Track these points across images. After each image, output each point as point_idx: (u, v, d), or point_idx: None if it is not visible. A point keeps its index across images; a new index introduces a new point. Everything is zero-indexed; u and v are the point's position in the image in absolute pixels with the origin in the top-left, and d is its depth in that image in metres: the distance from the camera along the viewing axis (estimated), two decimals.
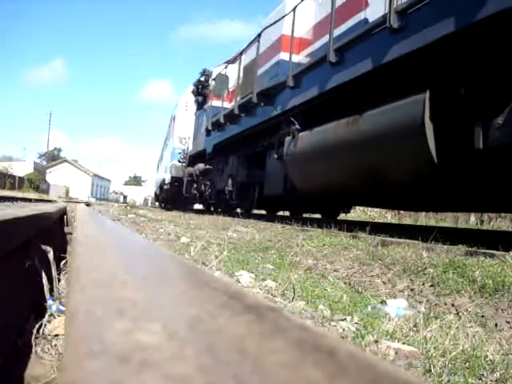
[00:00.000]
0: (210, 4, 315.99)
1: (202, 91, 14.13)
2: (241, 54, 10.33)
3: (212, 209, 13.79)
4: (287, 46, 7.55)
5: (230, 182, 10.96)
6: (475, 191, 4.59)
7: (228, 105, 10.92)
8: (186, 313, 0.39)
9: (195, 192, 14.20)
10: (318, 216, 11.59)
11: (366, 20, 5.62)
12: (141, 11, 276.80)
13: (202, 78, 14.07)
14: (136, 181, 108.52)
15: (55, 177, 62.54)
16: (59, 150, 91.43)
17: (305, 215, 11.02)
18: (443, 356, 1.62)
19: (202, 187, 13.49)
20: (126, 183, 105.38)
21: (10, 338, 1.31)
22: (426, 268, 3.11)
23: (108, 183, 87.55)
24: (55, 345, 1.38)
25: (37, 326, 1.40)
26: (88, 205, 11.16)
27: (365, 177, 5.61)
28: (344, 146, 5.86)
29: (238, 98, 9.92)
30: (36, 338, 1.38)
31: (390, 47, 4.91)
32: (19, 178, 47.53)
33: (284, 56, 7.80)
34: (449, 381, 1.46)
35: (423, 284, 2.91)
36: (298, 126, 7.18)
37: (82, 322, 0.35)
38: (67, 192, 52.44)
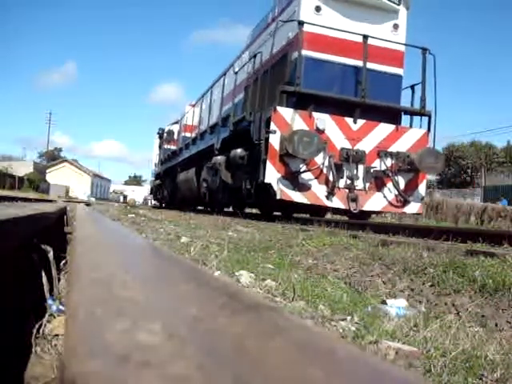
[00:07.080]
0: (223, 10, 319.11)
1: (160, 138, 25.36)
2: (181, 119, 20.33)
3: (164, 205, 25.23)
4: (185, 129, 18.10)
5: (165, 191, 22.47)
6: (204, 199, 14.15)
7: (173, 148, 21.11)
8: (186, 313, 0.39)
9: (158, 196, 26.43)
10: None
11: (206, 128, 14.00)
12: (154, 16, 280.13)
13: (160, 131, 24.95)
14: (136, 180, 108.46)
15: (55, 177, 62.45)
16: (59, 150, 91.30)
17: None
18: (443, 356, 1.62)
19: (159, 194, 25.29)
20: (126, 183, 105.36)
21: (10, 338, 1.31)
22: (426, 268, 3.11)
23: (108, 183, 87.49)
24: (55, 345, 1.38)
25: (37, 326, 1.40)
26: (88, 204, 11.18)
27: (190, 192, 15.81)
28: (186, 180, 16.15)
29: (175, 147, 20.18)
30: (36, 337, 1.38)
31: (196, 148, 15.01)
32: (19, 177, 47.52)
33: (185, 134, 17.99)
34: (449, 381, 1.46)
35: (423, 284, 2.91)
36: (179, 170, 17.45)
37: (82, 322, 0.35)
38: (67, 192, 52.39)
